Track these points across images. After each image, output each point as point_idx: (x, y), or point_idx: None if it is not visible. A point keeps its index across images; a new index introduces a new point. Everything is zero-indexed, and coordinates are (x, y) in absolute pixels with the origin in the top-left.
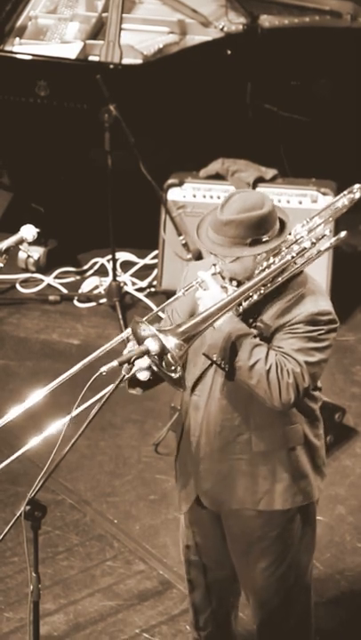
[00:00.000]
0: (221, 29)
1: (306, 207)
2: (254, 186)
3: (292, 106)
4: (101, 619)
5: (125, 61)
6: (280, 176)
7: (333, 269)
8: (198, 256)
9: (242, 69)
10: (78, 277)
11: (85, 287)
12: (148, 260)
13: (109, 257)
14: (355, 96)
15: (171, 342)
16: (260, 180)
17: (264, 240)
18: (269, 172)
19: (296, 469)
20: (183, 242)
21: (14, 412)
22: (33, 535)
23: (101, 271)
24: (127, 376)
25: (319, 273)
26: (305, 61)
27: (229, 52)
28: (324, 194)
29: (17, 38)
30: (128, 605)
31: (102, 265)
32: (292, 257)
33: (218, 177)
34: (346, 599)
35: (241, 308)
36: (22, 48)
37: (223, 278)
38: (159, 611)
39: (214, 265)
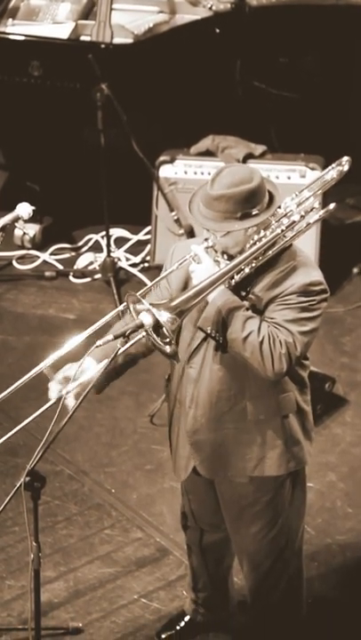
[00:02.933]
0: (210, 8)
1: (294, 182)
2: (244, 162)
3: (281, 83)
4: (100, 585)
5: (116, 41)
6: (269, 152)
7: (322, 242)
8: (190, 231)
9: (231, 47)
10: (73, 254)
11: (80, 263)
12: (141, 236)
13: (103, 233)
14: (342, 72)
15: (164, 316)
16: (249, 157)
17: (254, 213)
18: (259, 148)
19: (289, 436)
20: (175, 217)
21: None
22: (33, 505)
23: (96, 247)
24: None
25: (308, 245)
26: (293, 39)
27: (218, 30)
28: (312, 169)
29: (10, 19)
30: (126, 572)
31: (97, 241)
32: (282, 230)
33: (208, 153)
34: (337, 563)
35: (233, 282)
36: (15, 29)
37: (216, 252)
38: (156, 577)
39: (206, 239)
